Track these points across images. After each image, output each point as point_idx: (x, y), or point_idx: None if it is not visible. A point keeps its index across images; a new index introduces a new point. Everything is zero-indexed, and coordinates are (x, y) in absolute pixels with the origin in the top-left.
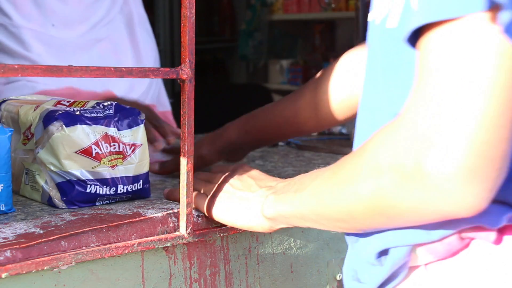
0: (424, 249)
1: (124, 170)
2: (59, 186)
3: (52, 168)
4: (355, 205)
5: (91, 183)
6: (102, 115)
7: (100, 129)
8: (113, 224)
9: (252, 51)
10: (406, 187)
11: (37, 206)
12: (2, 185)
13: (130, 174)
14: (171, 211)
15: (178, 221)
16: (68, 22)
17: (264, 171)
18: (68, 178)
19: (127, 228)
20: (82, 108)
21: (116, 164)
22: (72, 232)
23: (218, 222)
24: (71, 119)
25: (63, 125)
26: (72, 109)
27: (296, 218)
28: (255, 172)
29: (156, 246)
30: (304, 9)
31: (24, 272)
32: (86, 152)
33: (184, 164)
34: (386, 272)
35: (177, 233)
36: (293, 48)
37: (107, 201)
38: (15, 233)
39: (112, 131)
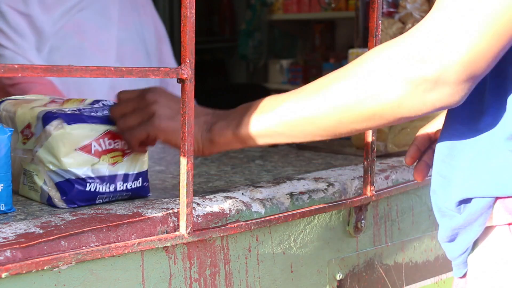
0: (503, 207)
1: (124, 167)
2: (59, 186)
3: (51, 167)
4: (353, 110)
5: (90, 181)
6: (101, 114)
7: (102, 127)
8: (113, 224)
9: (252, 51)
10: (422, 94)
11: (37, 206)
12: (2, 185)
13: (130, 172)
14: (171, 211)
15: (178, 221)
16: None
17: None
18: (67, 177)
19: (127, 228)
20: (82, 108)
21: (116, 162)
22: (72, 232)
23: (218, 222)
24: (71, 118)
25: (63, 123)
26: (71, 108)
27: (260, 138)
28: (172, 96)
29: (156, 246)
30: (304, 9)
31: (24, 272)
32: (85, 149)
33: (184, 164)
34: (462, 221)
35: (177, 233)
36: (293, 48)
37: (107, 199)
38: (15, 233)
39: (115, 128)
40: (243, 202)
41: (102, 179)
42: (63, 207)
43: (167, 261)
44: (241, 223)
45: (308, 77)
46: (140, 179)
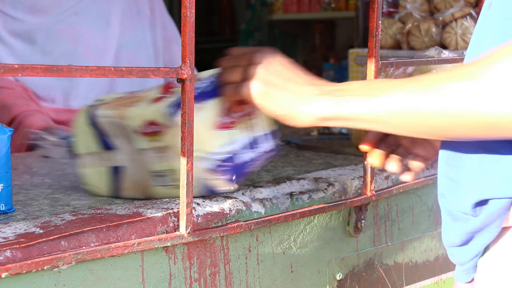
0: None
1: (259, 129)
2: (216, 170)
3: (200, 154)
4: (468, 115)
5: (239, 153)
6: (212, 87)
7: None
8: (113, 224)
9: None
10: None
11: (37, 206)
12: (2, 185)
13: (264, 132)
14: (171, 211)
15: (178, 221)
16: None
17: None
18: (220, 158)
19: (127, 228)
20: (200, 85)
21: (249, 126)
22: (72, 232)
23: (218, 222)
24: (200, 98)
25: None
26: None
27: (360, 121)
28: (288, 64)
29: (156, 246)
30: (304, 9)
31: (24, 272)
32: (223, 125)
33: (184, 164)
34: (479, 223)
35: (177, 233)
36: (293, 48)
37: (258, 165)
38: (15, 233)
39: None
40: (243, 202)
41: (247, 146)
42: (225, 189)
43: (167, 261)
44: (241, 223)
45: None
46: (274, 135)
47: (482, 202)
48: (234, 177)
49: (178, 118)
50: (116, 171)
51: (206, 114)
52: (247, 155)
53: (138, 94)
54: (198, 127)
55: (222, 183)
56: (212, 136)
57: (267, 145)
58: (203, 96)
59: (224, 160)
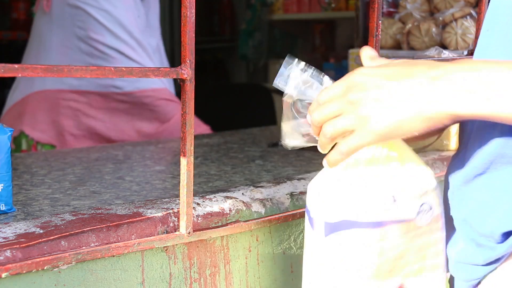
0: None
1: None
2: None
3: None
4: None
5: None
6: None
7: None
8: (113, 224)
9: (252, 51)
10: None
11: (37, 206)
12: (2, 185)
13: None
14: (171, 211)
15: (178, 221)
16: None
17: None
18: None
19: (127, 228)
20: None
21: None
22: (72, 232)
23: (218, 222)
24: None
25: None
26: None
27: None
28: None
29: (156, 246)
30: (304, 9)
31: (24, 271)
32: None
33: (184, 164)
34: (505, 250)
35: (177, 233)
36: (293, 48)
37: None
38: (15, 233)
39: None
40: (243, 202)
41: None
42: None
43: (167, 261)
44: (241, 223)
45: None
46: None
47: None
48: None
49: None
50: None
51: None
52: None
53: None
54: None
55: None
56: None
57: None
58: None
59: None
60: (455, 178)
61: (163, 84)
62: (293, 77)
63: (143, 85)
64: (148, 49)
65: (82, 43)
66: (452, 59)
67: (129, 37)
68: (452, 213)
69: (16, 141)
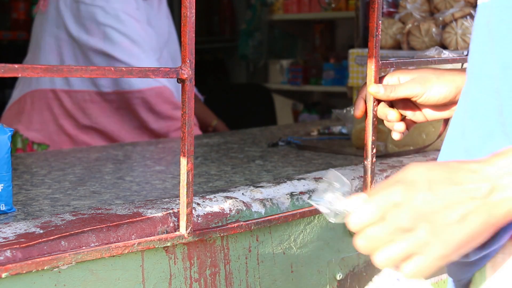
0: None
1: None
2: None
3: None
4: None
5: None
6: None
7: None
8: (113, 224)
9: (252, 51)
10: None
11: (37, 206)
12: (2, 185)
13: None
14: (171, 211)
15: (178, 221)
16: None
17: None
18: None
19: (127, 228)
20: None
21: None
22: (72, 232)
23: (218, 222)
24: None
25: None
26: None
27: None
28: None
29: (156, 246)
30: (304, 9)
31: (24, 272)
32: None
33: (184, 164)
34: (490, 247)
35: (177, 233)
36: (293, 48)
37: None
38: (15, 233)
39: None
40: (243, 202)
41: None
42: None
43: (167, 261)
44: (241, 223)
45: (308, 77)
46: None
47: None
48: None
49: None
50: None
51: None
52: None
53: None
54: None
55: None
56: None
57: None
58: None
59: None
60: None
61: (160, 83)
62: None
63: (138, 84)
64: (145, 45)
65: (75, 42)
66: (450, 60)
67: (122, 35)
68: None
69: (12, 139)
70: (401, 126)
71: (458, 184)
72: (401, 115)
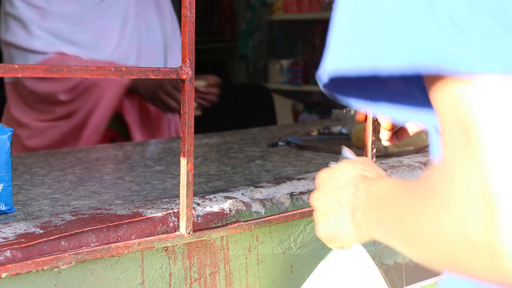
0: None
1: None
2: None
3: None
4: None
5: None
6: None
7: None
8: (113, 224)
9: (252, 51)
10: (474, 259)
11: (37, 206)
12: (2, 185)
13: None
14: (171, 211)
15: (178, 221)
16: None
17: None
18: None
19: (127, 228)
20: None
21: None
22: (72, 232)
23: (218, 222)
24: None
25: None
26: None
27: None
28: (338, 176)
29: (156, 246)
30: (304, 9)
31: (24, 272)
32: None
33: (184, 164)
34: None
35: (177, 233)
36: (293, 48)
37: None
38: (15, 233)
39: None
40: (243, 202)
41: None
42: None
43: (167, 261)
44: (241, 223)
45: (308, 77)
46: None
47: None
48: None
49: None
50: None
51: None
52: None
53: None
54: None
55: None
56: None
57: None
58: None
59: None
60: None
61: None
62: None
63: None
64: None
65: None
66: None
67: (14, 19)
68: None
69: None
70: (385, 135)
71: (341, 188)
72: (393, 125)
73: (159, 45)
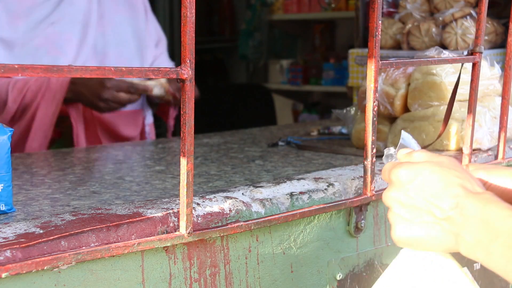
0: None
1: None
2: None
3: None
4: None
5: None
6: None
7: None
8: (113, 224)
9: (252, 51)
10: None
11: (37, 206)
12: (2, 185)
13: None
14: (171, 211)
15: (178, 221)
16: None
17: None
18: None
19: (127, 228)
20: None
21: None
22: (72, 232)
23: (218, 222)
24: None
25: None
26: None
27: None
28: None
29: (156, 246)
30: (304, 9)
31: (24, 272)
32: None
33: (184, 164)
34: None
35: (177, 233)
36: (293, 48)
37: None
38: (15, 233)
39: None
40: (243, 202)
41: None
42: None
43: (167, 261)
44: (241, 223)
45: (308, 77)
46: None
47: None
48: None
49: None
50: None
51: None
52: None
53: None
54: None
55: None
56: None
57: None
58: None
59: None
60: None
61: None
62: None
63: None
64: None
65: None
66: (450, 60)
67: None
68: None
69: None
70: None
71: (434, 197)
72: None
73: (130, 46)
